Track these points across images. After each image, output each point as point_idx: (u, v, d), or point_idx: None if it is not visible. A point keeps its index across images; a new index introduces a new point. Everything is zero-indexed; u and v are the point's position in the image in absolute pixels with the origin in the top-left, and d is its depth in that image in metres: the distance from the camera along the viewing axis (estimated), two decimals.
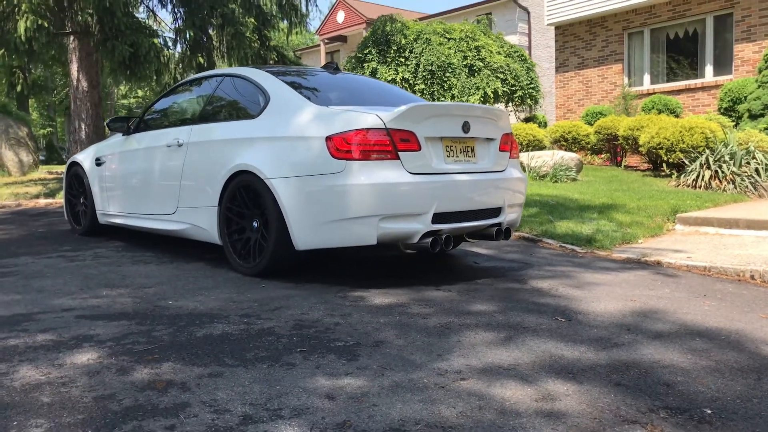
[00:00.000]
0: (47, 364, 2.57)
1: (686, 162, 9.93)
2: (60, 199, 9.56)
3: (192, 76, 5.54)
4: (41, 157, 29.39)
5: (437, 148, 4.13)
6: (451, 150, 4.22)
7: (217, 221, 4.62)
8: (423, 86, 13.34)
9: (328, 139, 3.94)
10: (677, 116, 13.46)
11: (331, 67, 5.19)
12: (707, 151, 9.62)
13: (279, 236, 4.14)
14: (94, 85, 12.81)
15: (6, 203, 9.43)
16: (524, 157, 10.85)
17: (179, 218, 5.00)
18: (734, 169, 9.15)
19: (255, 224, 4.39)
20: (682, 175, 9.69)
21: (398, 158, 3.94)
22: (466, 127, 4.25)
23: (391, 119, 3.93)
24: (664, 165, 11.41)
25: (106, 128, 5.80)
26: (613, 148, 13.31)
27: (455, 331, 3.08)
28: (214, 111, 4.96)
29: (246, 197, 4.40)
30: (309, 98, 4.34)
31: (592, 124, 14.16)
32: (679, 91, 14.36)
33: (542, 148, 14.03)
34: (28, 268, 4.67)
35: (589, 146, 13.47)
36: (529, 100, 14.14)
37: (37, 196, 9.87)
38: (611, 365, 2.66)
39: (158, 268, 4.63)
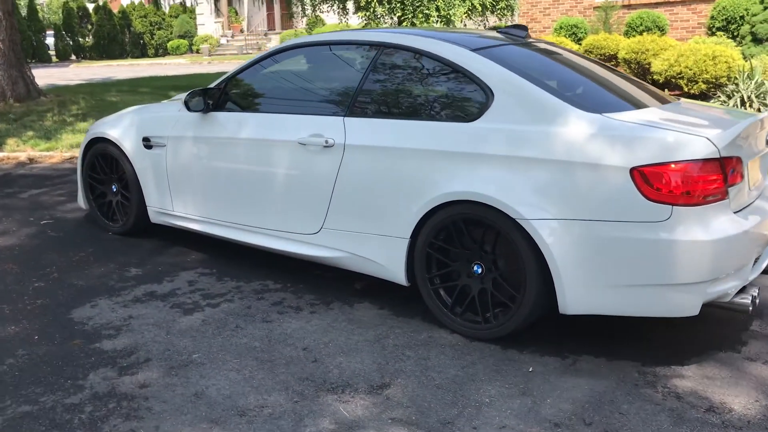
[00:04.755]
0: None
1: (721, 95, 9.37)
2: (8, 153, 7.57)
3: (313, 38, 4.01)
4: None
5: (745, 173, 3.12)
6: (750, 170, 3.22)
7: (404, 258, 3.41)
8: None
9: (635, 171, 2.81)
10: (664, 34, 12.87)
11: (521, 35, 3.88)
12: (742, 86, 9.08)
13: (538, 295, 3.05)
14: None
15: None
16: None
17: (326, 242, 3.71)
18: None
19: (478, 269, 3.24)
20: None
21: (727, 196, 2.90)
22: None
23: (725, 144, 2.85)
24: (666, 91, 10.86)
25: (185, 106, 4.18)
26: None
27: None
28: (380, 99, 3.58)
29: (466, 234, 3.22)
30: (563, 98, 3.11)
31: (573, 40, 13.30)
32: (656, 5, 13.72)
33: None
34: (144, 335, 3.28)
35: None
36: (506, 11, 13.00)
37: None
38: None
39: (332, 326, 3.39)
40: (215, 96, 4.18)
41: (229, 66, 23.32)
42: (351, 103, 3.64)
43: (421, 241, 3.34)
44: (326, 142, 3.59)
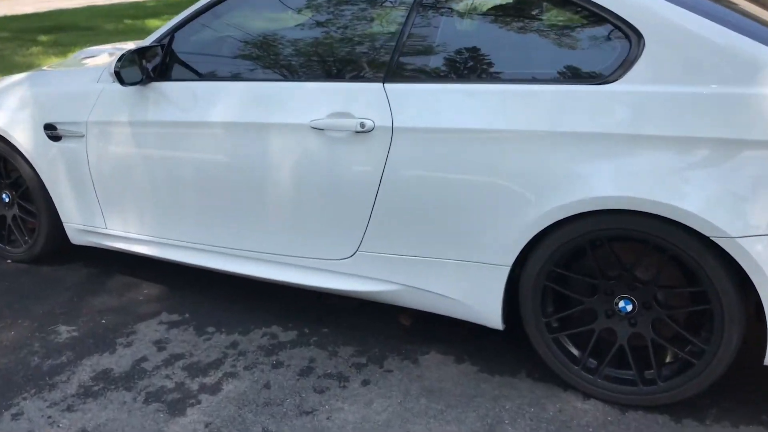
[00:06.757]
0: None
1: None
2: None
3: None
4: None
5: None
6: None
7: (501, 293, 2.29)
8: None
9: None
10: None
11: None
12: None
13: (737, 343, 2.03)
14: None
15: None
16: None
17: (364, 270, 2.51)
18: None
19: (626, 306, 2.17)
20: None
21: None
22: None
23: None
24: None
25: (116, 77, 2.69)
26: None
27: None
28: (442, 52, 2.32)
29: (612, 257, 2.13)
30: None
31: None
32: None
33: None
34: None
35: None
36: None
37: None
38: None
39: (408, 409, 2.23)
40: (157, 58, 2.76)
41: None
42: (393, 60, 2.36)
43: (534, 269, 2.21)
44: (361, 125, 2.32)
